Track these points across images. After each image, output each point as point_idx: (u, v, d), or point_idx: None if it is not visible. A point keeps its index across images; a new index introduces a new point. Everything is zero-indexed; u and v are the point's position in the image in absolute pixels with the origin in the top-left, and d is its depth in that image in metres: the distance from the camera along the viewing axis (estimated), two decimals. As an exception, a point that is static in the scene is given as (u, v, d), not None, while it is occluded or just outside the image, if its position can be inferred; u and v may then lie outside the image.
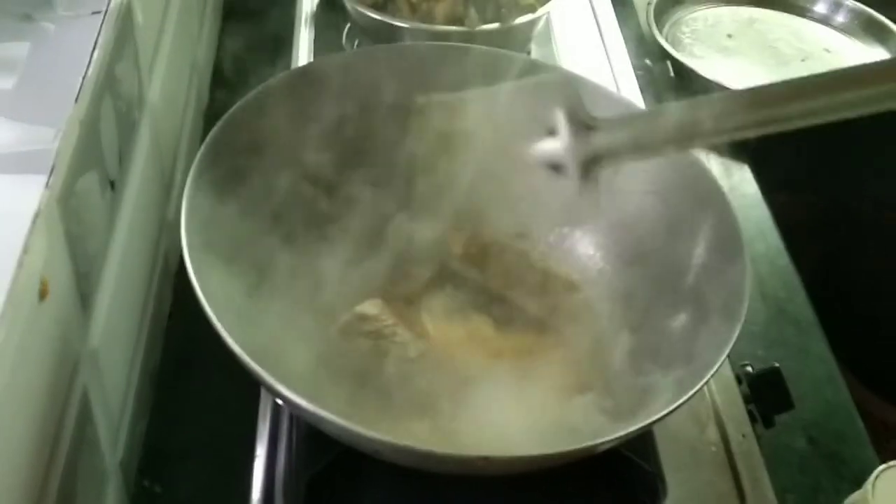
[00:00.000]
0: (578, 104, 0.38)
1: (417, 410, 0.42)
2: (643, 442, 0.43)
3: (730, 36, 0.81)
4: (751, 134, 0.37)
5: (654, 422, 0.36)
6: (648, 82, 0.69)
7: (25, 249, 0.30)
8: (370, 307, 0.45)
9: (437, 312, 0.46)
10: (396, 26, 0.60)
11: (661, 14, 0.79)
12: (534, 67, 0.52)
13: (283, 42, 0.68)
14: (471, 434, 0.42)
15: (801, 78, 0.36)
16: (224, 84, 0.70)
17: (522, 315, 0.46)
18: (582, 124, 0.38)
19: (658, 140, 0.37)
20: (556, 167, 0.38)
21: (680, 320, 0.44)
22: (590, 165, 0.38)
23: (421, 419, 0.42)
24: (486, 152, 0.39)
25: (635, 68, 0.68)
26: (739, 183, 0.66)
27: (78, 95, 0.36)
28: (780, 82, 0.36)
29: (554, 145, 0.38)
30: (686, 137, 0.37)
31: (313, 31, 0.68)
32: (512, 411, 0.43)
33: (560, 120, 0.38)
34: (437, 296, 0.47)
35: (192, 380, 0.49)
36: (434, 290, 0.47)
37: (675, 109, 0.38)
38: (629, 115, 0.38)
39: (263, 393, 0.45)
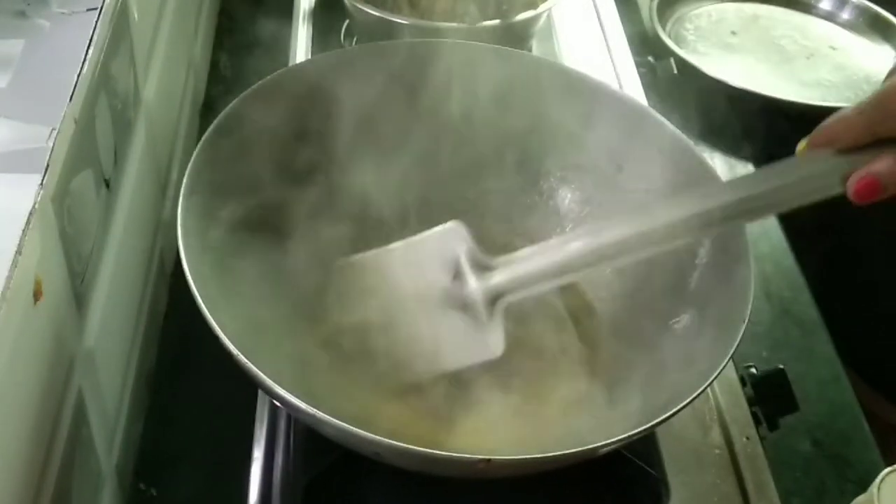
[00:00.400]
0: (475, 249, 0.42)
1: (420, 408, 0.42)
2: (646, 444, 0.42)
3: (734, 33, 0.80)
4: (649, 253, 0.40)
5: (657, 424, 0.35)
6: (651, 79, 0.68)
7: (19, 249, 0.30)
8: None
9: None
10: (396, 23, 0.60)
11: (664, 10, 0.78)
12: (534, 64, 0.52)
13: (281, 39, 0.68)
14: (471, 435, 0.41)
15: (719, 189, 0.40)
16: (221, 82, 0.69)
17: (541, 312, 0.46)
18: (481, 265, 0.41)
19: (556, 271, 0.41)
20: (463, 307, 0.41)
21: (683, 321, 0.43)
22: (493, 301, 0.41)
23: (423, 417, 0.42)
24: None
25: (638, 65, 0.68)
26: (743, 182, 0.66)
27: (73, 93, 0.36)
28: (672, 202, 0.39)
29: (459, 288, 0.42)
30: (585, 265, 0.40)
31: (311, 28, 0.68)
32: (513, 412, 0.43)
33: (461, 263, 0.41)
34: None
35: (188, 381, 0.49)
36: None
37: (572, 241, 0.41)
38: (526, 251, 0.42)
39: (261, 394, 0.44)
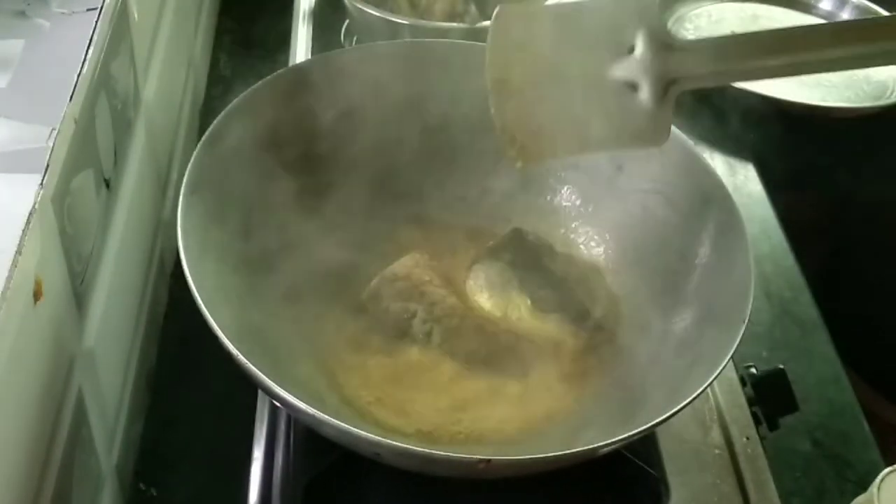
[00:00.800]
0: (658, 24, 0.37)
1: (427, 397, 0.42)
2: (646, 444, 0.42)
3: (734, 33, 0.80)
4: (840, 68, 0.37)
5: (657, 424, 0.36)
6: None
7: (19, 249, 0.30)
8: (400, 267, 0.45)
9: (480, 282, 0.47)
10: (396, 23, 0.60)
11: (663, 10, 0.78)
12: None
13: (281, 39, 0.68)
14: (473, 426, 0.41)
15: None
16: (221, 81, 0.69)
17: (565, 306, 0.46)
18: (662, 43, 0.37)
19: (745, 65, 0.37)
20: (632, 85, 0.37)
21: (683, 321, 0.43)
22: (667, 86, 0.37)
23: (427, 406, 0.42)
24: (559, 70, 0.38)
25: (638, 65, 0.68)
26: (744, 182, 0.66)
27: (73, 93, 0.36)
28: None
29: (632, 63, 0.37)
30: (772, 66, 0.37)
31: (311, 28, 0.68)
32: (514, 408, 0.43)
33: (640, 37, 0.37)
34: (486, 266, 0.48)
35: (188, 381, 0.49)
36: (487, 260, 0.48)
37: (763, 35, 0.38)
38: (713, 38, 0.39)
39: (261, 394, 0.44)
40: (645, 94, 0.37)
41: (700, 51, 0.38)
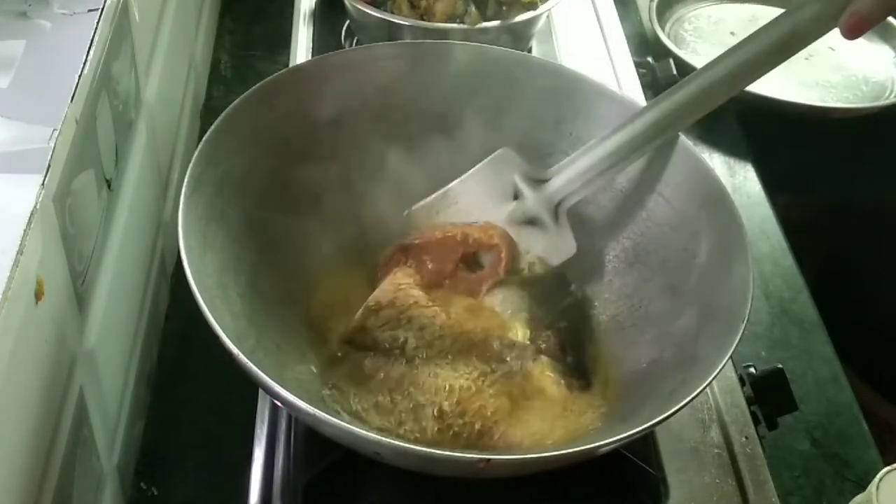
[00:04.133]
0: (527, 167, 0.48)
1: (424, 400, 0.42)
2: (645, 444, 0.42)
3: (733, 34, 0.80)
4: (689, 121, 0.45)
5: (657, 423, 0.36)
6: (651, 80, 0.69)
7: (21, 249, 0.30)
8: (383, 294, 0.45)
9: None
10: (396, 24, 0.60)
11: (663, 11, 0.79)
12: (534, 66, 0.52)
13: (282, 40, 0.68)
14: (471, 428, 0.41)
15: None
16: (222, 82, 0.70)
17: (559, 317, 0.47)
18: (537, 180, 0.47)
19: (604, 164, 0.46)
20: (531, 221, 0.47)
21: (683, 321, 0.43)
22: (556, 207, 0.47)
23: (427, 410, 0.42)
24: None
25: (637, 66, 0.68)
26: (743, 182, 0.66)
27: (74, 94, 0.36)
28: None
29: (522, 204, 0.47)
30: (627, 155, 0.45)
31: (311, 29, 0.68)
32: (514, 410, 0.43)
33: (518, 184, 0.47)
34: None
35: (188, 381, 0.49)
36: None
37: (610, 136, 0.45)
38: (573, 156, 0.47)
39: (261, 394, 0.44)
40: (545, 221, 0.47)
41: (567, 169, 0.46)
